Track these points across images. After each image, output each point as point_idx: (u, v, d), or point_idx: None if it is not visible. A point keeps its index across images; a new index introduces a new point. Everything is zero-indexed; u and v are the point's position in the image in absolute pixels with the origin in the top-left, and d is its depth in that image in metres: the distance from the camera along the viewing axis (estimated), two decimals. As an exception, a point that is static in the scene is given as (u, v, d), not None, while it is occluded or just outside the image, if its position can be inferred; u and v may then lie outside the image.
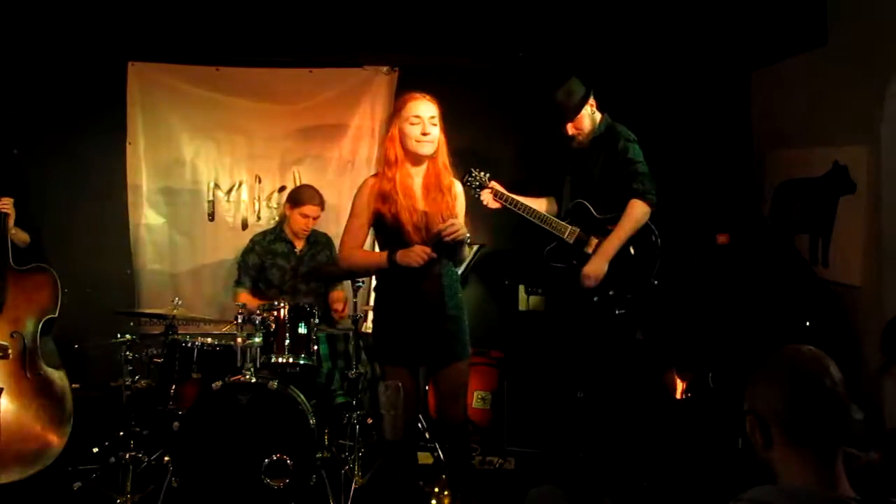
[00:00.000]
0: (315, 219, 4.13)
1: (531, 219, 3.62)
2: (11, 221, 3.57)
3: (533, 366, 4.10)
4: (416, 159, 2.87)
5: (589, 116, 3.66)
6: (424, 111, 2.82)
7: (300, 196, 4.13)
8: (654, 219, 3.57)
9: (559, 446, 3.79)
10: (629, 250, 3.55)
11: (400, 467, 3.06)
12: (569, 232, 3.61)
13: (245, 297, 4.03)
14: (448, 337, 2.89)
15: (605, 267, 3.48)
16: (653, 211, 3.52)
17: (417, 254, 2.76)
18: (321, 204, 4.14)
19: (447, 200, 2.86)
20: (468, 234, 2.85)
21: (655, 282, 3.54)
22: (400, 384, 4.04)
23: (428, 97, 2.86)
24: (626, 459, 3.65)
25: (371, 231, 2.99)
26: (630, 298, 3.54)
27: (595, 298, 3.54)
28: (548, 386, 3.98)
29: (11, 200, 3.57)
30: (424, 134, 2.80)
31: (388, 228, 2.87)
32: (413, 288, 2.84)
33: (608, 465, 3.62)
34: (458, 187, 2.99)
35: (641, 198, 3.49)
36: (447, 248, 2.87)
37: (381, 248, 2.94)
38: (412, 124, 2.81)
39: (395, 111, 2.88)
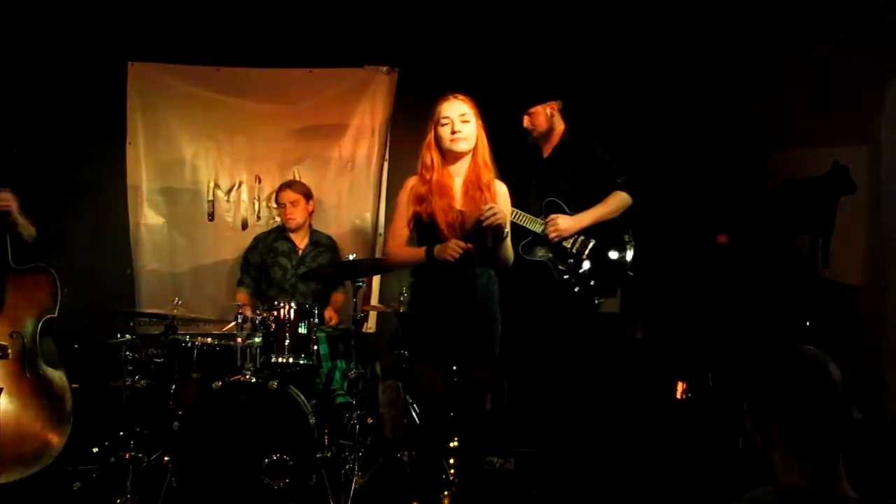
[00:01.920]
0: (293, 203, 4.10)
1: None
2: (17, 209, 3.53)
3: (533, 365, 4.10)
4: (454, 157, 2.89)
5: (546, 117, 3.79)
6: (452, 111, 2.86)
7: (278, 190, 4.22)
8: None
9: (559, 446, 3.79)
10: (613, 245, 3.68)
11: (423, 468, 3.04)
12: (544, 226, 3.67)
13: (242, 298, 4.02)
14: (477, 340, 2.88)
15: (574, 230, 3.64)
16: (632, 205, 3.69)
17: (452, 248, 2.77)
18: (299, 191, 4.13)
19: (485, 198, 2.86)
20: (507, 230, 2.83)
21: (631, 273, 3.69)
22: (399, 384, 4.08)
23: (459, 96, 2.90)
24: (626, 459, 3.65)
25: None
26: (611, 289, 3.72)
27: (577, 289, 3.63)
28: (548, 386, 3.97)
29: (11, 195, 3.54)
30: (455, 132, 2.84)
31: (424, 228, 2.91)
32: (447, 287, 2.85)
33: (608, 464, 3.62)
34: (501, 187, 2.98)
35: (626, 190, 3.67)
36: (486, 245, 2.86)
37: (420, 245, 2.94)
38: (442, 125, 2.86)
39: (431, 117, 2.92)
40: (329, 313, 4.06)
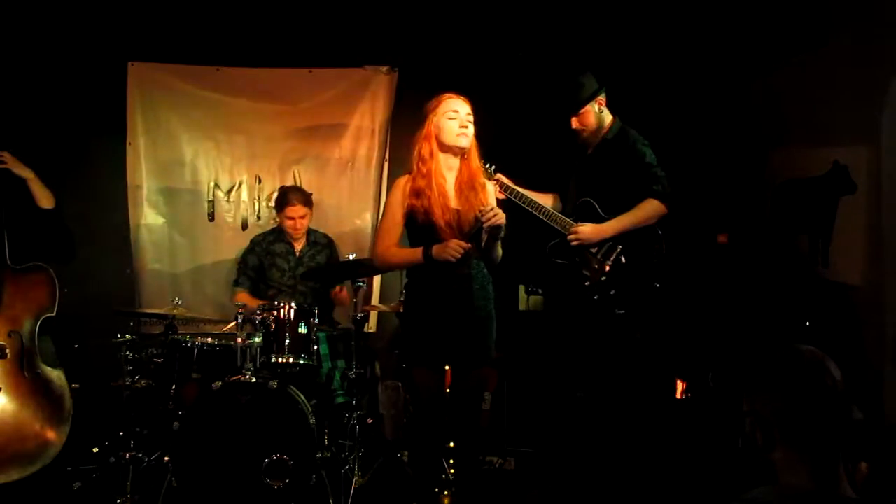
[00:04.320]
0: (302, 217, 4.09)
1: (536, 213, 3.57)
2: (34, 177, 3.56)
3: (533, 366, 4.10)
4: (452, 153, 2.89)
5: (595, 114, 3.63)
6: (461, 107, 2.88)
7: (282, 199, 4.14)
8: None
9: (559, 446, 3.79)
10: (633, 252, 3.55)
11: (420, 468, 3.05)
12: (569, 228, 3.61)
13: (244, 297, 4.00)
14: (473, 340, 2.87)
15: (597, 238, 3.51)
16: (666, 215, 3.54)
17: (453, 248, 2.75)
18: (306, 202, 4.10)
19: (481, 199, 2.87)
20: (504, 227, 2.82)
21: (658, 285, 3.53)
22: (400, 384, 4.08)
23: (463, 97, 2.91)
24: (626, 459, 3.65)
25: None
26: (631, 299, 3.53)
27: (595, 297, 3.54)
28: (548, 386, 3.98)
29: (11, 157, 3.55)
30: (463, 127, 2.85)
31: (419, 225, 2.87)
32: (442, 288, 2.84)
33: (607, 464, 3.62)
34: (489, 186, 2.99)
35: (660, 199, 3.51)
36: (481, 245, 2.85)
37: (413, 246, 2.93)
38: (450, 119, 2.86)
39: (430, 110, 2.91)
40: (342, 294, 4.13)
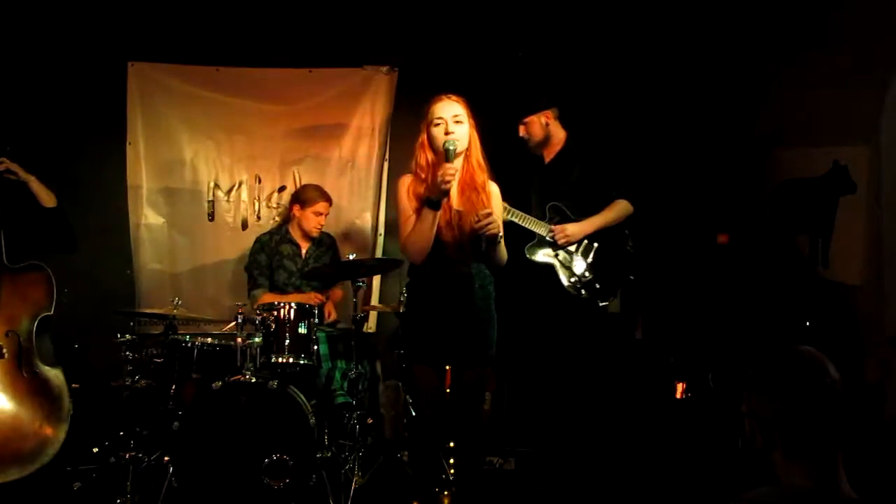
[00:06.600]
0: (326, 216, 4.13)
1: (510, 218, 3.64)
2: (35, 180, 3.55)
3: (532, 366, 4.10)
4: (447, 159, 2.86)
5: (542, 126, 3.81)
6: (446, 111, 2.84)
7: (309, 195, 4.11)
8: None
9: (559, 447, 3.79)
10: (607, 250, 3.75)
11: (420, 467, 3.05)
12: (549, 229, 3.71)
13: (269, 297, 3.90)
14: (473, 339, 2.88)
15: (582, 235, 3.71)
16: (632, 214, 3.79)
17: (441, 175, 2.68)
18: (330, 200, 4.15)
19: (482, 198, 2.87)
20: (501, 233, 2.85)
21: (632, 277, 3.79)
22: (400, 384, 4.08)
23: (452, 97, 2.87)
24: (626, 459, 3.65)
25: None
26: (613, 291, 3.77)
27: (583, 292, 3.69)
28: (549, 386, 3.97)
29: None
30: (448, 133, 2.81)
31: None
32: (443, 287, 2.85)
33: (607, 464, 3.62)
34: (493, 187, 2.98)
35: (628, 199, 3.76)
36: (480, 248, 2.87)
37: None
38: (436, 126, 2.84)
39: (423, 117, 2.90)
40: (328, 308, 4.05)
